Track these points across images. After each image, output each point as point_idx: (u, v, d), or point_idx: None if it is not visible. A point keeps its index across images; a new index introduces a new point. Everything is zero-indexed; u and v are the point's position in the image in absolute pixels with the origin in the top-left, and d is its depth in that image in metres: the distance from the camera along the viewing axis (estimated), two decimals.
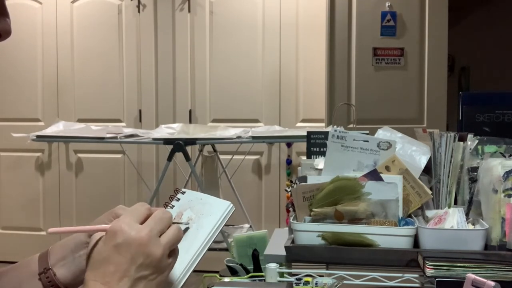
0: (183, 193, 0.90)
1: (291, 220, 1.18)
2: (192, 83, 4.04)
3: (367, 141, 1.26)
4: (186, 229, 0.83)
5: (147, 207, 0.77)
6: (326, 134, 1.59)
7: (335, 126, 1.66)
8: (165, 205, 0.89)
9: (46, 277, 0.83)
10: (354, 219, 1.13)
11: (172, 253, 0.75)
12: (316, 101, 3.84)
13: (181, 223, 0.83)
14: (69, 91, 4.19)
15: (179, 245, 0.81)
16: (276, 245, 1.24)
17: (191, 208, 0.87)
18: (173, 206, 0.88)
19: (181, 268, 0.80)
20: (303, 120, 3.93)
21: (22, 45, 4.20)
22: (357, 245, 1.09)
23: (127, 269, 0.71)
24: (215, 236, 0.84)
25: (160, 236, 0.73)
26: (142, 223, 0.74)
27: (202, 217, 0.85)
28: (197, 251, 0.81)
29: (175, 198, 0.89)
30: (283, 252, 1.13)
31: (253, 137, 3.15)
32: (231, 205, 0.87)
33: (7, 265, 0.89)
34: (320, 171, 1.31)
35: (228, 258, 1.26)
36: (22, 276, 0.85)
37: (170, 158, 3.11)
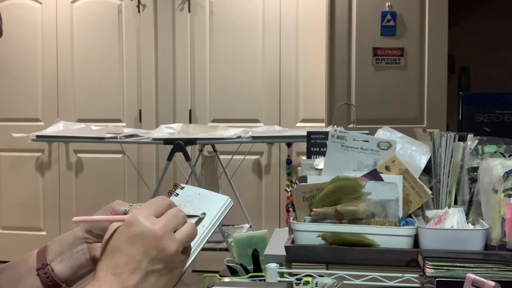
0: (182, 188, 0.89)
1: (291, 220, 1.18)
2: (192, 83, 4.04)
3: (367, 141, 1.26)
4: (199, 220, 0.82)
5: (168, 202, 0.76)
6: (326, 134, 1.60)
7: (335, 126, 1.67)
8: None
9: (44, 273, 0.84)
10: (354, 219, 1.13)
11: (185, 250, 0.74)
12: (316, 101, 3.84)
13: (195, 216, 0.82)
14: (69, 91, 4.19)
15: None
16: (276, 245, 1.24)
17: (190, 203, 0.86)
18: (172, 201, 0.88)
19: None
20: (303, 120, 3.93)
21: (22, 45, 4.19)
22: (357, 245, 1.09)
23: (139, 261, 0.70)
24: (213, 231, 0.83)
25: (175, 232, 0.72)
26: (159, 217, 0.73)
27: (201, 212, 0.85)
28: (195, 246, 0.81)
29: (174, 193, 0.89)
30: (283, 252, 1.13)
31: (253, 137, 3.15)
32: (230, 199, 0.86)
33: None
34: (320, 171, 1.32)
35: (228, 258, 1.26)
36: (21, 272, 0.85)
37: (170, 158, 3.11)
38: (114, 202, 0.86)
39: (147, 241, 0.70)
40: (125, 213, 0.84)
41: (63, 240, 0.87)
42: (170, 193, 0.90)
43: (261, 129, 3.45)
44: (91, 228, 0.85)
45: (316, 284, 1.07)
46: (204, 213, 0.83)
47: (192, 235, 0.74)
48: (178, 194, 0.89)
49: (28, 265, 0.85)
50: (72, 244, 0.85)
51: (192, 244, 0.80)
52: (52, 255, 0.85)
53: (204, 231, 0.82)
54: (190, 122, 4.01)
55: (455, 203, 1.27)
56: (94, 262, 0.85)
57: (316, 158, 1.67)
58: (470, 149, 1.27)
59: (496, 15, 4.53)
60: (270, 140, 3.46)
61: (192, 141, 3.18)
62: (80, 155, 4.22)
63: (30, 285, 0.84)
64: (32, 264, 0.85)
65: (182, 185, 0.90)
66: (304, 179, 1.26)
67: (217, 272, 1.21)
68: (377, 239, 1.09)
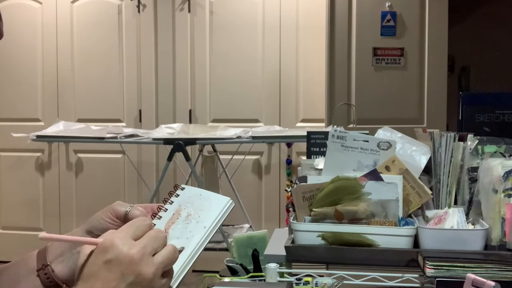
0: (183, 189, 0.89)
1: (291, 220, 1.18)
2: (192, 83, 4.04)
3: (367, 141, 1.26)
4: (181, 250, 0.81)
5: (148, 224, 0.74)
6: (326, 134, 1.59)
7: (335, 126, 1.67)
8: (164, 201, 0.89)
9: (44, 274, 0.83)
10: (354, 219, 1.13)
11: (166, 273, 0.71)
12: (316, 101, 3.84)
13: (180, 248, 0.80)
14: (69, 91, 4.19)
15: (177, 240, 0.80)
16: (276, 245, 1.24)
17: (191, 204, 0.86)
18: (172, 202, 0.88)
19: (179, 264, 0.79)
20: (303, 120, 3.93)
21: (22, 45, 4.19)
22: (357, 245, 1.09)
23: (115, 287, 0.67)
24: (214, 232, 0.83)
25: (154, 255, 0.70)
26: (138, 239, 0.70)
27: (201, 212, 0.84)
28: (196, 247, 0.80)
29: (174, 194, 0.89)
30: (283, 252, 1.13)
31: (253, 137, 3.15)
32: (231, 200, 0.86)
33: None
34: (320, 171, 1.32)
35: (228, 258, 1.26)
36: (21, 272, 0.85)
37: (170, 158, 3.11)
38: (115, 203, 0.85)
39: (123, 265, 0.67)
40: (126, 214, 0.83)
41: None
42: (170, 194, 0.90)
43: (261, 129, 3.45)
44: (91, 229, 0.85)
45: (316, 284, 1.07)
46: (183, 248, 0.80)
47: (173, 258, 0.72)
48: (178, 195, 0.89)
49: (28, 265, 0.85)
50: (72, 245, 0.85)
51: (193, 245, 0.79)
52: (52, 256, 0.85)
53: (205, 232, 0.82)
54: (190, 122, 4.01)
55: (455, 203, 1.27)
56: None
57: (316, 158, 1.67)
58: (470, 149, 1.27)
59: (496, 15, 4.53)
60: (270, 140, 3.46)
61: (192, 141, 3.18)
62: (80, 155, 4.21)
63: (30, 285, 0.84)
64: (32, 265, 0.85)
65: (183, 185, 0.90)
66: (304, 179, 1.26)
67: (217, 272, 1.21)
68: (377, 239, 1.09)
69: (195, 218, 0.84)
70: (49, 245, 0.87)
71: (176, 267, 0.78)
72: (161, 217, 0.87)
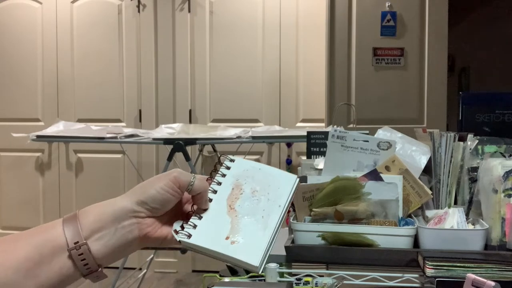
0: (232, 160, 0.80)
1: (291, 220, 1.18)
2: (192, 83, 4.04)
3: (367, 141, 1.26)
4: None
5: None
6: (326, 134, 1.60)
7: (335, 126, 1.67)
8: (212, 173, 0.79)
9: (79, 254, 0.65)
10: (354, 219, 1.13)
11: None
12: (316, 101, 3.84)
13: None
14: (69, 91, 4.19)
15: (249, 218, 0.73)
16: (276, 245, 1.24)
17: (251, 178, 0.77)
18: (225, 174, 0.78)
19: (263, 246, 0.72)
20: (303, 120, 3.93)
21: (22, 45, 4.19)
22: (357, 245, 1.09)
23: None
24: (286, 212, 0.76)
25: None
26: None
27: (269, 189, 0.77)
28: (275, 227, 0.74)
29: (224, 165, 0.79)
30: (283, 252, 1.13)
31: (253, 137, 3.14)
32: (298, 178, 0.79)
33: None
34: (320, 171, 1.32)
35: None
36: (43, 251, 0.65)
37: (170, 158, 3.11)
38: (174, 170, 0.72)
39: None
40: (190, 185, 0.71)
41: (102, 212, 0.70)
42: (218, 165, 0.79)
43: (261, 129, 3.45)
44: (147, 200, 0.69)
45: (316, 284, 1.07)
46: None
47: None
48: (230, 167, 0.79)
49: (55, 242, 0.66)
50: (115, 218, 0.69)
51: (273, 225, 0.73)
52: (87, 231, 0.67)
53: (281, 211, 0.75)
54: (190, 122, 4.01)
55: (455, 203, 1.27)
56: (143, 240, 0.70)
57: (316, 158, 1.67)
58: (470, 149, 1.27)
59: (496, 15, 4.53)
60: (270, 140, 3.45)
61: (192, 141, 3.18)
62: (80, 155, 4.22)
63: (56, 267, 0.65)
64: (60, 241, 0.66)
65: (230, 156, 0.80)
66: (304, 179, 1.26)
67: (217, 272, 1.21)
68: (377, 239, 1.09)
69: (264, 195, 0.76)
70: (80, 215, 0.69)
71: (260, 249, 0.72)
72: (216, 191, 0.77)
